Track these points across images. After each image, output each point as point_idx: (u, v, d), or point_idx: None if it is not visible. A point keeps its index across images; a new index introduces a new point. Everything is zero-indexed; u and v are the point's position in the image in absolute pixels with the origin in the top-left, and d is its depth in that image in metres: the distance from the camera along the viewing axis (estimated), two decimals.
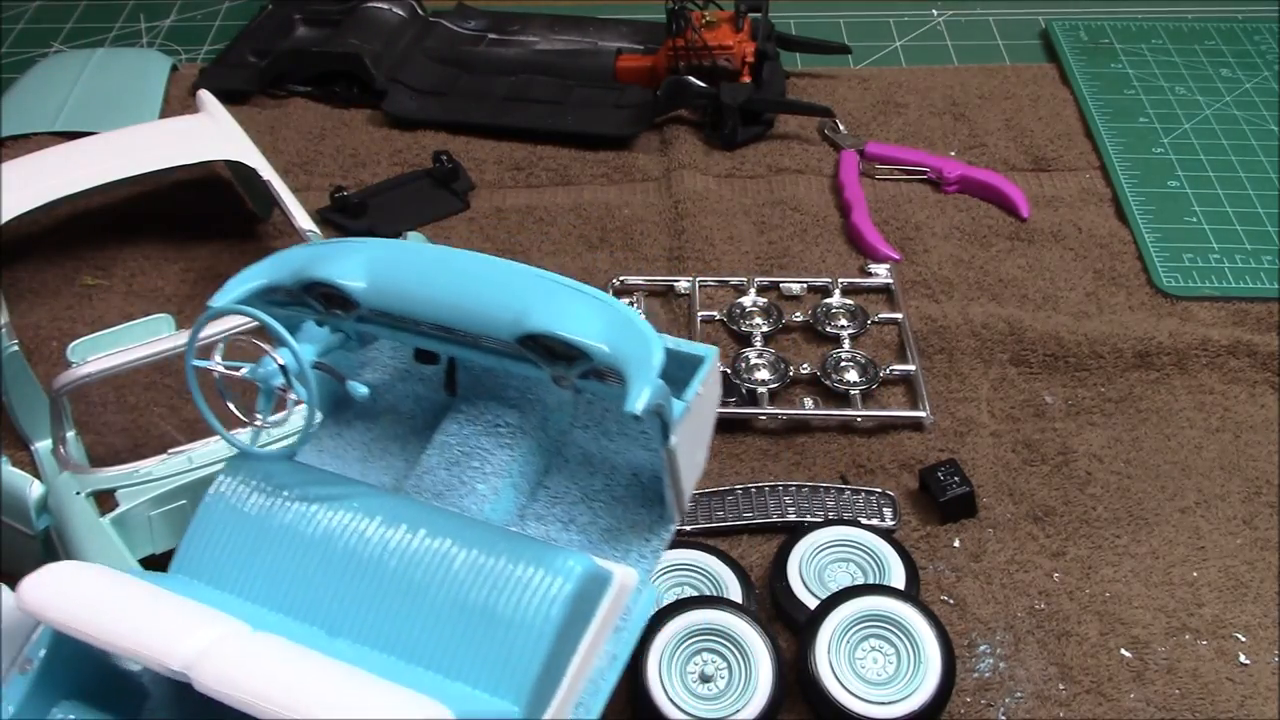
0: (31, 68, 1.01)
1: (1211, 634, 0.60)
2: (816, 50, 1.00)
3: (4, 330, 0.66)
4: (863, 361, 0.73)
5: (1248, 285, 0.80)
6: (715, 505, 0.66)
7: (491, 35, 1.04)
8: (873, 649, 0.57)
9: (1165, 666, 0.59)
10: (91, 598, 0.37)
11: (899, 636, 0.56)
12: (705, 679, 0.56)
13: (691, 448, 0.42)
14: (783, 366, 0.73)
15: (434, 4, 1.06)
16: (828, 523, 0.63)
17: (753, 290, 0.79)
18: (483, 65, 0.99)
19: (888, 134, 0.93)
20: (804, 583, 0.61)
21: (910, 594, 0.59)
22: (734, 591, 0.60)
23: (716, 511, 0.65)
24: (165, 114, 0.95)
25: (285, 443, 0.45)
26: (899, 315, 0.77)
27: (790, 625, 0.60)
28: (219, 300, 0.43)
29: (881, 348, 0.76)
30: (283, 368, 0.41)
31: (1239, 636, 0.60)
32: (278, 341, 0.41)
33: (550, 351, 0.39)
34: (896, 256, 0.82)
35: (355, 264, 0.41)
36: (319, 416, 0.43)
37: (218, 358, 0.42)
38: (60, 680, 0.39)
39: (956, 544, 0.65)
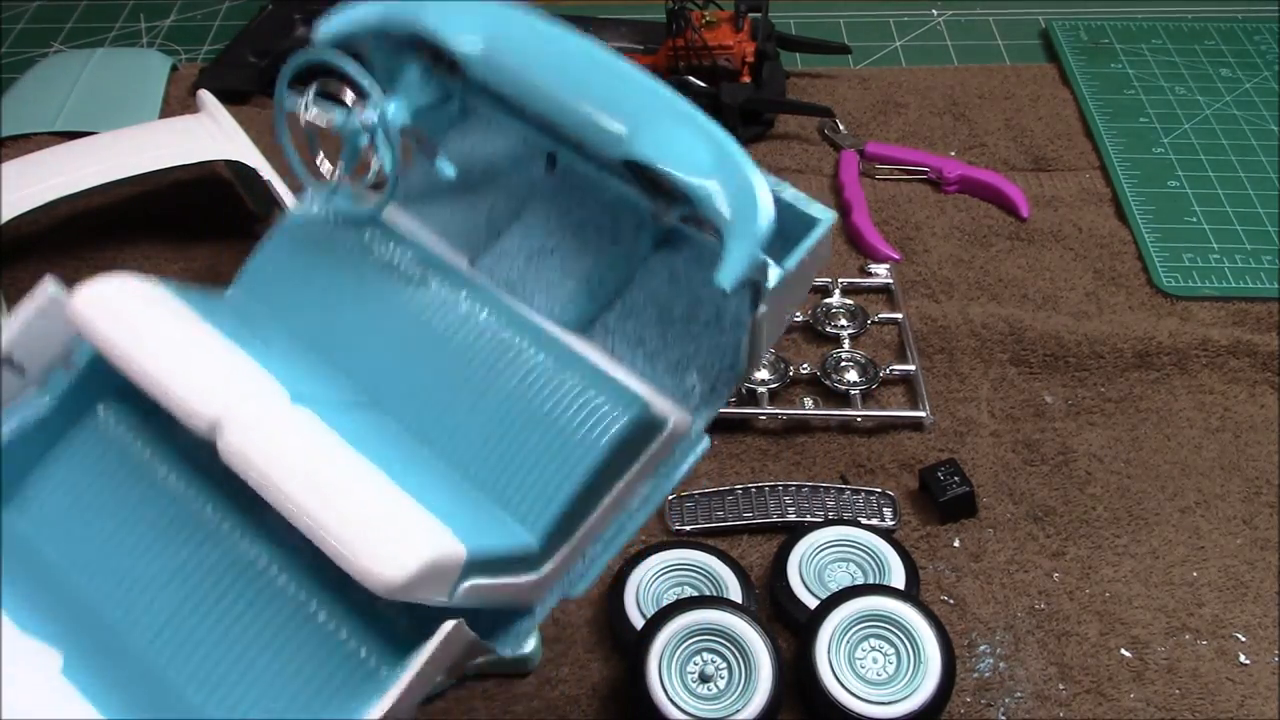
0: (31, 68, 1.00)
1: (1211, 634, 0.60)
2: (816, 50, 1.00)
3: (4, 330, 0.66)
4: (863, 361, 0.74)
5: (1248, 285, 0.80)
6: (715, 505, 0.66)
7: None
8: (873, 649, 0.57)
9: (1165, 666, 0.59)
10: (138, 326, 0.34)
11: (899, 636, 0.56)
12: (705, 679, 0.56)
13: (780, 313, 0.38)
14: (783, 366, 0.73)
15: None
16: (828, 523, 0.63)
17: None
18: None
19: (888, 134, 0.93)
20: (804, 583, 0.61)
21: (910, 594, 0.59)
22: (734, 591, 0.60)
23: (716, 511, 0.65)
24: (165, 114, 0.95)
25: (366, 205, 0.41)
26: (899, 315, 0.77)
27: (790, 625, 0.60)
28: (323, 30, 0.39)
29: (881, 348, 0.76)
30: (367, 123, 0.38)
31: (1239, 636, 0.60)
32: (362, 93, 0.38)
33: (653, 183, 0.36)
34: (896, 256, 0.82)
35: (472, 22, 0.37)
36: (399, 182, 0.39)
37: (309, 102, 0.39)
38: (107, 381, 0.37)
39: (956, 544, 0.65)
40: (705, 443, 0.39)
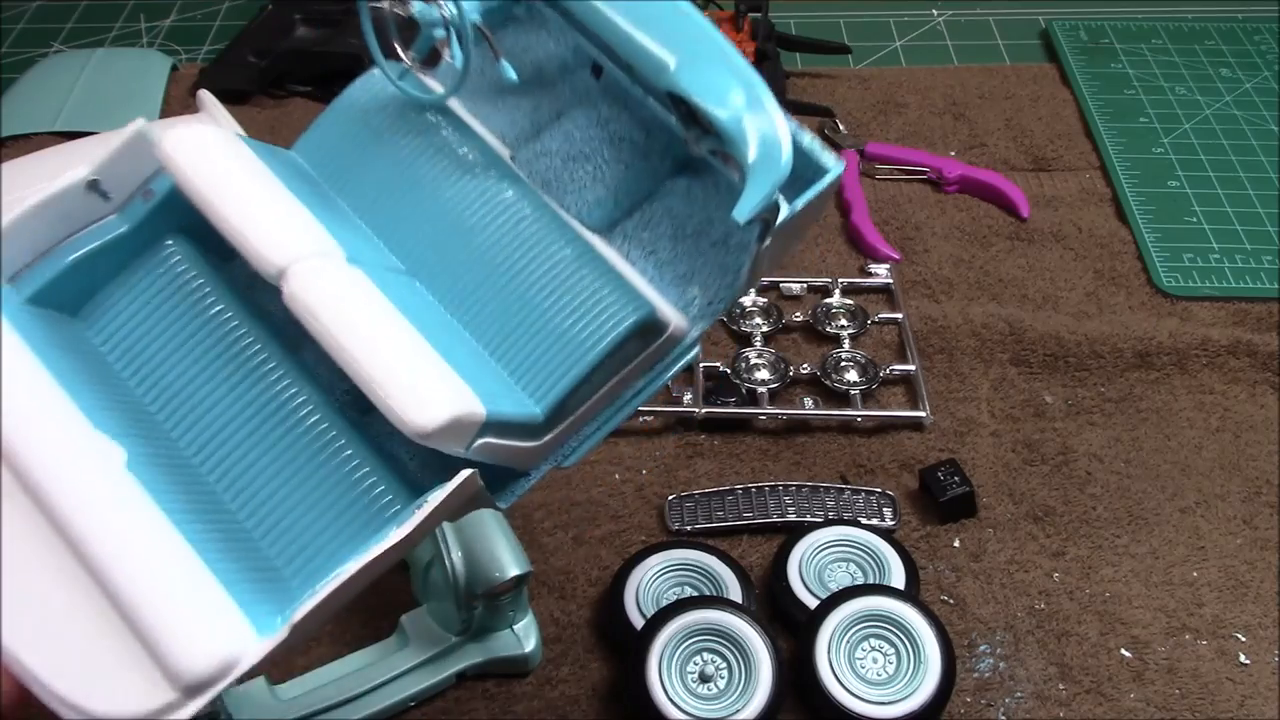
0: (31, 68, 1.00)
1: (1211, 634, 0.60)
2: (816, 50, 1.00)
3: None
4: (863, 361, 0.74)
5: (1248, 285, 0.80)
6: (715, 505, 0.66)
7: None
8: (873, 649, 0.57)
9: (1165, 666, 0.59)
10: (221, 174, 0.38)
11: (899, 636, 0.56)
12: (705, 679, 0.56)
13: (781, 246, 0.43)
14: (783, 366, 0.73)
15: None
16: (828, 523, 0.63)
17: (752, 290, 0.79)
18: None
19: (888, 134, 0.93)
20: (804, 583, 0.61)
21: (910, 594, 0.59)
22: (734, 591, 0.60)
23: (716, 511, 0.65)
24: (165, 114, 0.95)
25: (431, 91, 0.45)
26: (899, 315, 0.77)
27: (790, 625, 0.60)
28: None
29: (881, 348, 0.76)
30: (445, 18, 0.41)
31: (1239, 636, 0.60)
32: None
33: (690, 115, 0.39)
34: (896, 256, 0.82)
35: None
36: (465, 77, 0.43)
37: None
38: (179, 215, 0.41)
39: (956, 544, 0.65)
40: (697, 350, 0.43)
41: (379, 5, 0.42)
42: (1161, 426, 0.71)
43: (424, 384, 0.35)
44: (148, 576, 0.33)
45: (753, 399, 0.71)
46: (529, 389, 0.39)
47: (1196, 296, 0.79)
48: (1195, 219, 0.85)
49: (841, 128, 0.93)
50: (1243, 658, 0.59)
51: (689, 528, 0.65)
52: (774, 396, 0.72)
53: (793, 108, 0.93)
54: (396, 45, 0.44)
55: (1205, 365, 0.74)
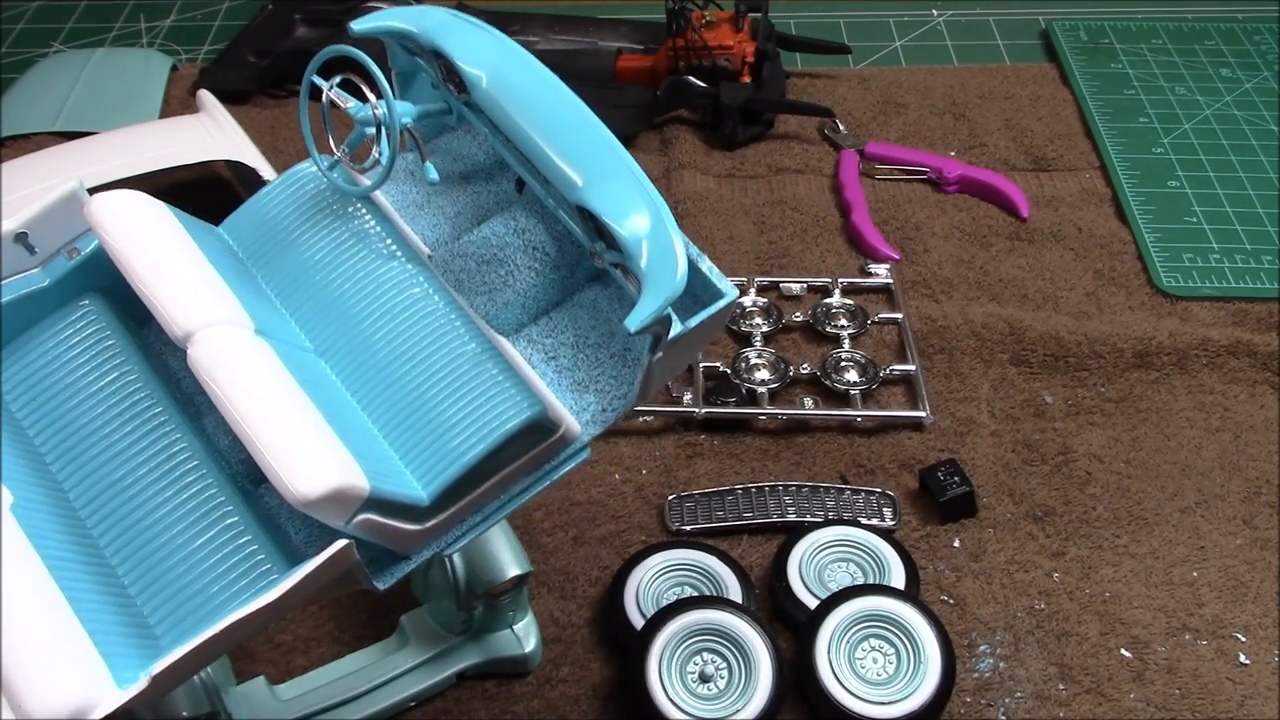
0: (31, 68, 1.00)
1: (1211, 634, 0.60)
2: (816, 50, 1.00)
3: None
4: (863, 361, 0.74)
5: (1248, 285, 0.80)
6: (715, 505, 0.66)
7: None
8: (873, 649, 0.57)
9: (1165, 666, 0.59)
10: (143, 237, 0.40)
11: (899, 636, 0.56)
12: (705, 679, 0.56)
13: (672, 361, 0.45)
14: (783, 366, 0.73)
15: (434, 4, 1.06)
16: (828, 523, 0.63)
17: (753, 290, 0.79)
18: None
19: (888, 134, 0.93)
20: (804, 583, 0.61)
21: (910, 594, 0.59)
22: (734, 591, 0.60)
23: (716, 511, 0.65)
24: (165, 114, 0.95)
25: (358, 184, 0.48)
26: (899, 315, 0.77)
27: (790, 625, 0.60)
28: (357, 25, 0.45)
29: (881, 348, 0.76)
30: (377, 117, 0.44)
31: (1239, 636, 0.60)
32: (379, 92, 0.44)
33: (597, 228, 0.42)
34: (896, 256, 0.82)
35: (484, 54, 0.44)
36: (388, 174, 0.46)
37: (334, 86, 0.45)
38: (97, 276, 0.43)
39: (956, 544, 0.65)
40: (586, 454, 0.45)
41: (325, 93, 0.45)
42: (1161, 426, 0.71)
43: (311, 453, 0.36)
44: (13, 620, 0.34)
45: (753, 399, 0.71)
46: (418, 473, 0.41)
47: (1196, 296, 0.79)
48: (1195, 219, 0.85)
49: (841, 128, 0.93)
50: (1243, 658, 0.59)
51: (689, 528, 0.65)
52: (774, 396, 0.72)
53: (793, 108, 0.93)
54: (330, 138, 0.46)
55: (1205, 365, 0.74)
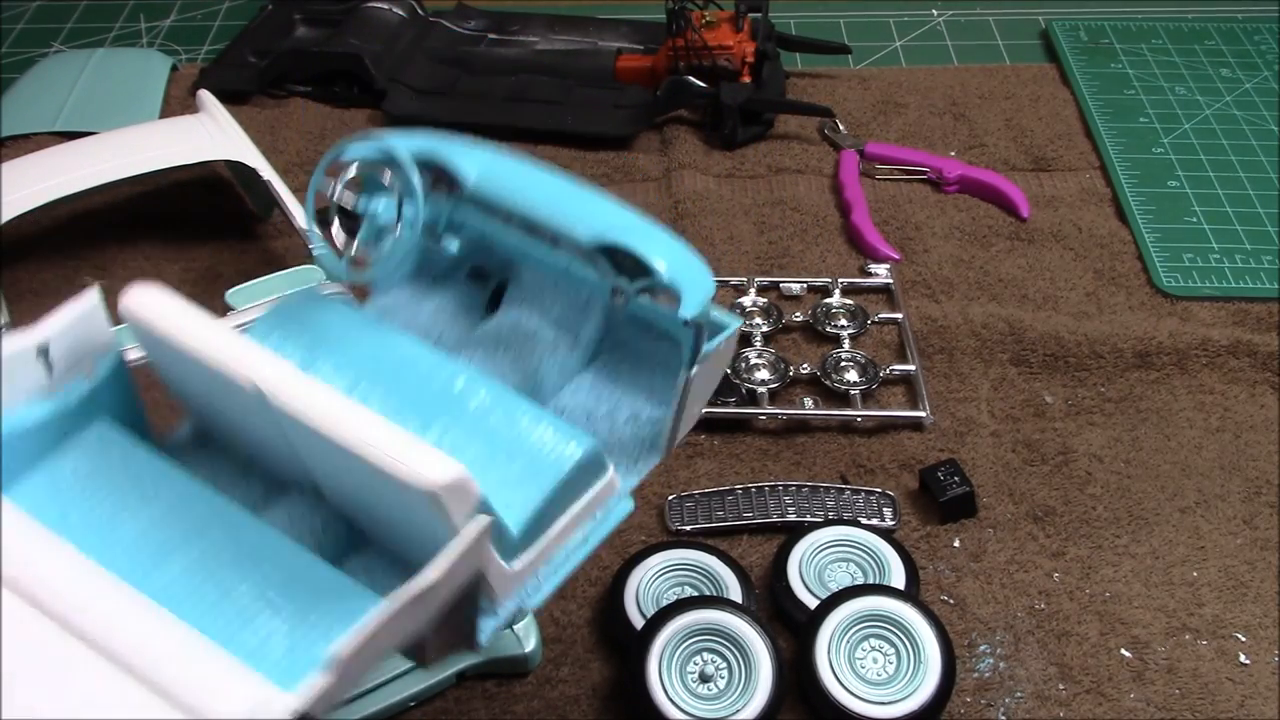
0: (31, 68, 1.00)
1: (1211, 634, 0.60)
2: (816, 50, 1.00)
3: (4, 331, 0.66)
4: (863, 361, 0.74)
5: (1248, 285, 0.80)
6: (715, 505, 0.66)
7: (491, 35, 1.03)
8: (873, 649, 0.57)
9: (1165, 666, 0.59)
10: (182, 317, 0.41)
11: (899, 636, 0.56)
12: (705, 679, 0.56)
13: (699, 393, 0.47)
14: (783, 366, 0.73)
15: (434, 4, 1.06)
16: (828, 523, 0.63)
17: (752, 290, 0.79)
18: (483, 65, 0.99)
19: (888, 134, 0.93)
20: (804, 583, 0.61)
21: (910, 594, 0.59)
22: (734, 591, 0.60)
23: (716, 511, 0.65)
24: (165, 114, 0.95)
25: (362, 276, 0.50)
26: (899, 315, 0.77)
27: (790, 625, 0.60)
28: (356, 149, 0.47)
29: (881, 348, 0.76)
30: (399, 214, 0.46)
31: (1239, 636, 0.60)
32: (406, 192, 0.46)
33: (618, 265, 0.44)
34: (896, 256, 0.82)
35: (474, 151, 0.48)
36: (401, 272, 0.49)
37: (342, 183, 0.46)
38: (112, 400, 0.44)
39: (956, 544, 0.65)
40: (630, 503, 0.46)
41: (329, 187, 0.47)
42: (1161, 426, 0.71)
43: (424, 448, 0.36)
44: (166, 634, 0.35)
45: (753, 399, 0.71)
46: (498, 508, 0.41)
47: (1196, 296, 0.79)
48: (1195, 219, 0.85)
49: (841, 128, 0.93)
50: (1243, 658, 0.59)
51: (689, 528, 0.65)
52: (774, 396, 0.72)
53: (793, 108, 0.93)
54: (334, 235, 0.48)
55: (1205, 365, 0.74)
